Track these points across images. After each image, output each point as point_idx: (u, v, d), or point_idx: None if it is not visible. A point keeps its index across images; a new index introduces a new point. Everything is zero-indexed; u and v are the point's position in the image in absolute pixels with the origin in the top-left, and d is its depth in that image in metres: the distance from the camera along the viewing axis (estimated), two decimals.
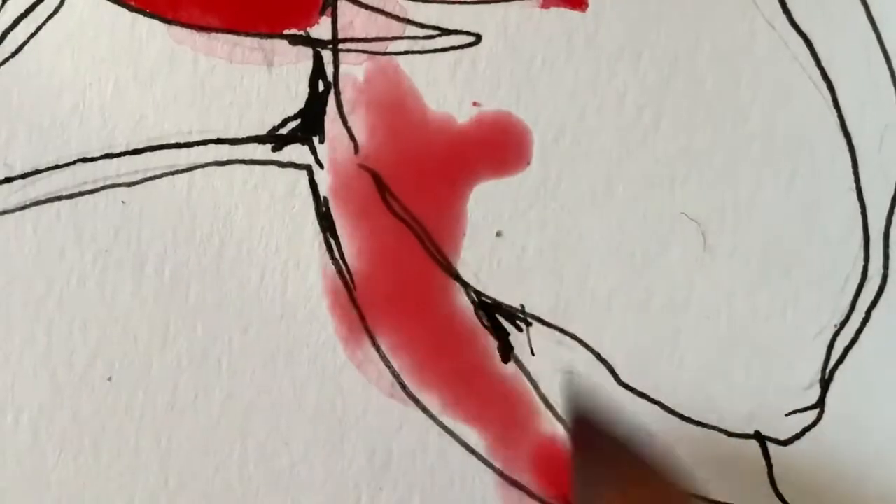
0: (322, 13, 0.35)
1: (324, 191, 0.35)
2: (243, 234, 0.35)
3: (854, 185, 0.36)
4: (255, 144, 0.35)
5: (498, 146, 0.36)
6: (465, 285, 0.36)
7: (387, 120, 0.35)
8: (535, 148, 0.36)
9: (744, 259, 0.36)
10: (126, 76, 0.34)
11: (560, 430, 0.36)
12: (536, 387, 0.36)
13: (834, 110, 0.36)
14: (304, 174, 0.35)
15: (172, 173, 0.35)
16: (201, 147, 0.35)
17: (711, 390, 0.36)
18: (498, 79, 0.35)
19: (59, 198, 0.34)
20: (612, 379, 0.36)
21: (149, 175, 0.34)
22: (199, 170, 0.35)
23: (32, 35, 0.34)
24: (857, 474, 0.36)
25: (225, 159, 0.35)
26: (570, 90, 0.35)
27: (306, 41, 0.35)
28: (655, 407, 0.36)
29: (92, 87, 0.34)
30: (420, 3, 0.35)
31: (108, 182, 0.34)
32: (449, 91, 0.35)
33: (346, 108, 0.35)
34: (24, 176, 0.34)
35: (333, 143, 0.35)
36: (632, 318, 0.36)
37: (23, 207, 0.34)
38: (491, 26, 0.35)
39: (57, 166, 0.34)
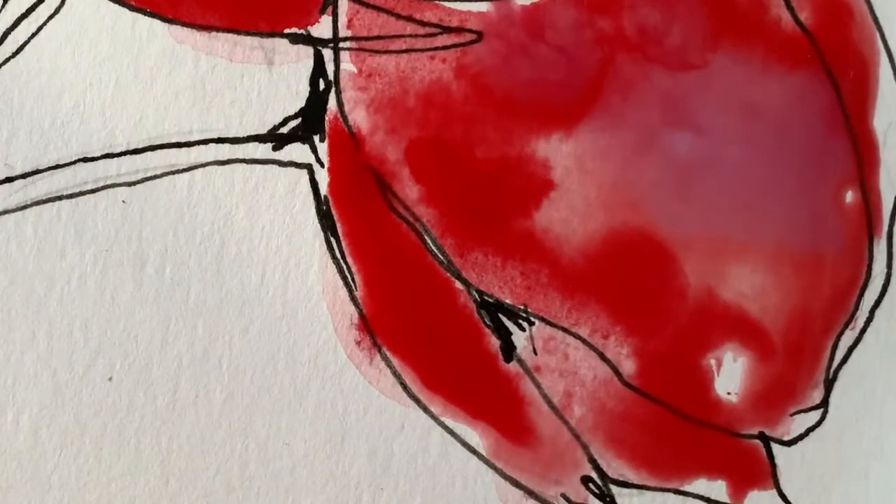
0: (322, 12, 0.35)
1: (324, 190, 0.35)
2: (244, 234, 0.35)
3: (858, 184, 0.36)
4: (256, 144, 0.35)
5: None
6: (467, 284, 0.35)
7: (388, 118, 0.35)
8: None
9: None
10: (126, 76, 0.34)
11: (564, 430, 0.36)
12: (539, 386, 0.36)
13: (839, 108, 0.36)
14: (304, 173, 0.35)
15: (173, 173, 0.35)
16: (202, 146, 0.35)
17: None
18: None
19: (59, 197, 0.34)
20: (615, 379, 0.36)
21: (149, 175, 0.34)
22: (200, 169, 0.35)
23: (33, 35, 0.34)
24: (861, 474, 0.36)
25: (225, 158, 0.35)
26: None
27: (307, 40, 0.35)
28: (659, 407, 0.36)
29: (92, 86, 0.34)
30: (421, 1, 0.35)
31: (109, 182, 0.34)
32: None
33: (346, 107, 0.35)
34: (24, 176, 0.34)
35: (334, 141, 0.35)
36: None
37: (23, 207, 0.34)
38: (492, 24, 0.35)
39: (58, 166, 0.34)
